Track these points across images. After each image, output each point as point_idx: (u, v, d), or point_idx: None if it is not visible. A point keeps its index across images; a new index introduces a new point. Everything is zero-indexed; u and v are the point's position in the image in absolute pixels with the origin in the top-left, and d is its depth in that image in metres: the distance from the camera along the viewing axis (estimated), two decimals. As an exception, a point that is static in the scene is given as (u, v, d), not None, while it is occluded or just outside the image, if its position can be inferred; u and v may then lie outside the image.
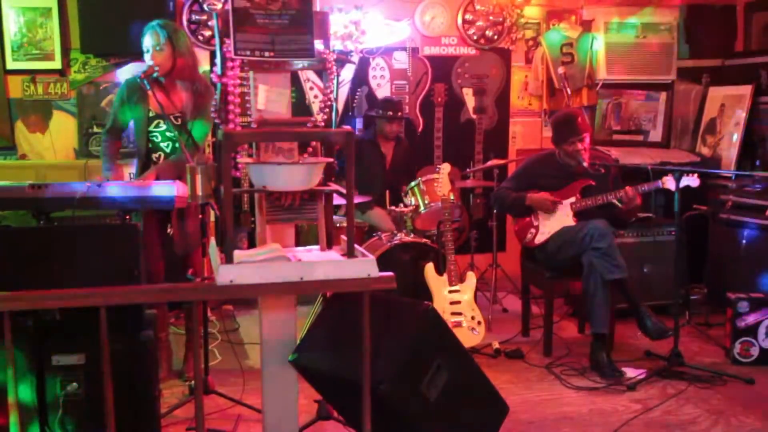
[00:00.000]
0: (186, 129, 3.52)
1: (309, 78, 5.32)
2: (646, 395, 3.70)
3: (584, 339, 4.46)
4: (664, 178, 4.01)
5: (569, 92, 5.68)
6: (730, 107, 5.57)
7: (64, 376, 2.46)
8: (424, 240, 4.49)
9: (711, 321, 4.74)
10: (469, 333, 4.11)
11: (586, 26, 5.84)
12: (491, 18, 5.72)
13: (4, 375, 2.21)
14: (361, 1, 5.36)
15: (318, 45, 2.50)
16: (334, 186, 2.61)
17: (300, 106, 5.20)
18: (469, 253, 5.20)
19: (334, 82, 2.56)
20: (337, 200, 3.35)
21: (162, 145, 3.70)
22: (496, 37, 5.76)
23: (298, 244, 2.72)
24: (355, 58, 5.42)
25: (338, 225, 3.93)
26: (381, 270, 2.27)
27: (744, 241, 4.75)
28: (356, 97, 5.55)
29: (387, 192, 5.13)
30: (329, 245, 2.59)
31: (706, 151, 5.71)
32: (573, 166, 4.31)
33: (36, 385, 2.46)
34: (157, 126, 3.68)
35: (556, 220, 4.27)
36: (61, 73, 5.10)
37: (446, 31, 5.70)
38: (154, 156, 3.71)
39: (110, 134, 3.78)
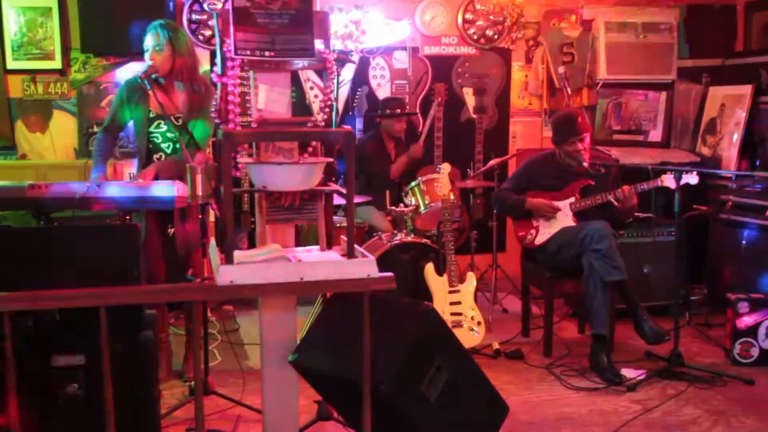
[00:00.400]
0: (186, 129, 3.52)
1: (309, 78, 5.32)
2: (646, 396, 3.70)
3: (584, 339, 4.46)
4: (663, 176, 4.00)
5: (569, 92, 5.68)
6: (730, 107, 5.56)
7: (64, 376, 2.45)
8: (424, 240, 4.49)
9: (711, 321, 4.74)
10: (469, 333, 4.11)
11: (587, 26, 5.84)
12: (491, 17, 5.72)
13: (4, 375, 2.21)
14: (361, 1, 5.36)
15: (318, 44, 2.50)
16: (334, 186, 2.61)
17: (300, 105, 5.20)
18: (469, 253, 5.20)
19: (335, 81, 2.56)
20: (337, 200, 3.35)
21: (163, 145, 3.70)
22: (496, 36, 5.76)
23: (298, 244, 2.72)
24: (356, 58, 5.42)
25: (338, 225, 3.93)
26: (381, 270, 2.27)
27: (744, 241, 4.75)
28: (356, 96, 5.55)
29: (387, 192, 5.14)
30: (329, 245, 2.59)
31: (706, 151, 5.70)
32: (573, 166, 4.31)
33: (36, 385, 2.46)
34: (157, 126, 3.68)
35: (556, 220, 4.27)
36: (62, 72, 5.10)
37: (446, 31, 5.70)
38: (155, 157, 3.71)
39: (106, 133, 3.78)
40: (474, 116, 5.65)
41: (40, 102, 5.11)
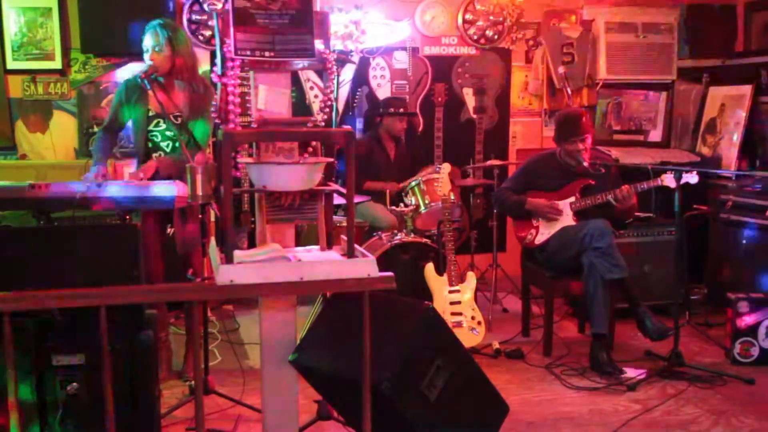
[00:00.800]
0: (186, 128, 3.52)
1: (309, 78, 5.33)
2: (646, 395, 3.70)
3: (584, 339, 4.46)
4: (663, 176, 4.00)
5: (569, 92, 5.68)
6: (730, 107, 5.56)
7: (64, 376, 2.45)
8: (424, 240, 4.49)
9: (711, 321, 4.73)
10: (469, 333, 4.11)
11: (587, 26, 5.84)
12: (491, 18, 5.72)
13: (4, 375, 2.21)
14: (361, 1, 5.36)
15: (318, 45, 2.50)
16: (334, 186, 2.61)
17: (300, 105, 5.21)
18: (469, 253, 5.21)
19: (335, 81, 2.56)
20: (337, 200, 3.35)
21: (162, 144, 3.70)
22: (496, 36, 5.76)
23: (298, 244, 2.72)
24: (356, 58, 5.43)
25: (338, 225, 3.93)
26: (381, 270, 2.27)
27: (744, 241, 4.75)
28: (356, 96, 5.55)
29: (387, 192, 5.14)
30: (329, 245, 2.59)
31: (706, 150, 5.71)
32: (573, 166, 4.31)
33: (36, 385, 2.46)
34: (157, 125, 3.68)
35: (556, 220, 4.27)
36: (62, 72, 5.10)
37: (446, 31, 5.70)
38: (154, 156, 3.71)
39: (106, 132, 3.78)
40: (474, 116, 5.65)
41: (40, 102, 5.11)
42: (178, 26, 3.73)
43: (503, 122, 5.93)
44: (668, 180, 3.96)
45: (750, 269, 4.64)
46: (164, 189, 3.15)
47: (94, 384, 2.40)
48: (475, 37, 5.73)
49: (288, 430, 2.53)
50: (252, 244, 3.38)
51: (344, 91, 5.49)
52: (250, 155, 2.57)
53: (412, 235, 4.54)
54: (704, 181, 4.13)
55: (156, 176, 3.53)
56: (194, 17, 5.20)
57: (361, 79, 5.58)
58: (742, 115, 5.40)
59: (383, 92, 5.61)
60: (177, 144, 3.64)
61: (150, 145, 3.70)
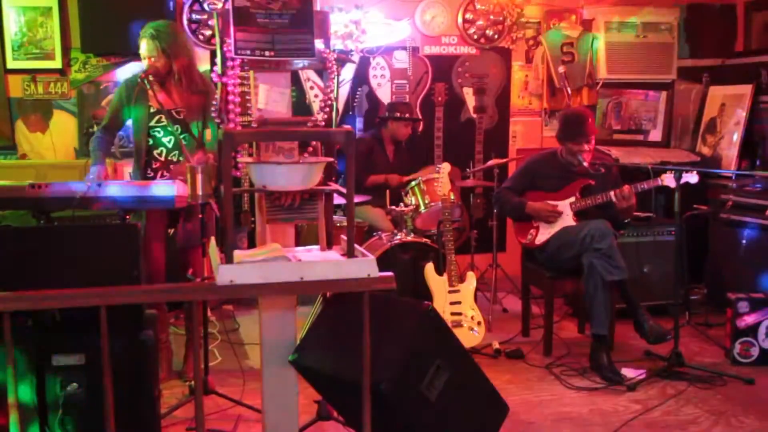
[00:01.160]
0: (187, 127, 3.51)
1: (309, 77, 5.33)
2: (646, 395, 3.70)
3: (584, 339, 4.46)
4: (663, 176, 4.00)
5: (569, 91, 5.68)
6: (730, 107, 5.56)
7: (64, 376, 2.45)
8: (424, 240, 4.49)
9: (711, 321, 4.73)
10: (469, 333, 4.11)
11: (587, 26, 5.85)
12: (491, 17, 5.72)
13: (4, 375, 2.21)
14: (361, 1, 5.36)
15: (318, 44, 2.50)
16: (334, 186, 2.61)
17: (300, 105, 5.21)
18: (469, 253, 5.20)
19: (335, 81, 2.56)
20: (337, 200, 3.35)
21: (164, 140, 3.69)
22: (496, 36, 5.76)
23: (298, 244, 2.72)
24: (356, 58, 5.43)
25: (338, 224, 3.93)
26: (381, 270, 2.27)
27: (744, 241, 4.75)
28: (357, 96, 5.55)
29: (387, 191, 5.14)
30: (329, 245, 2.59)
31: (706, 150, 5.71)
32: (574, 165, 4.31)
33: (36, 385, 2.46)
34: (158, 121, 3.68)
35: (556, 221, 4.27)
36: (62, 72, 5.10)
37: (446, 31, 5.70)
38: (156, 152, 3.70)
39: (105, 131, 3.77)
40: (474, 116, 5.65)
41: (40, 102, 5.11)
42: (172, 30, 3.70)
43: (503, 122, 5.93)
44: (668, 180, 3.95)
45: (750, 269, 4.63)
46: (164, 189, 3.15)
47: (94, 384, 2.40)
48: (475, 37, 5.73)
49: (288, 430, 2.52)
50: (252, 244, 3.38)
51: (344, 91, 5.49)
52: (250, 155, 2.57)
53: (412, 235, 4.54)
54: (704, 181, 4.13)
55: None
56: (194, 17, 5.20)
57: (361, 78, 5.58)
58: (742, 115, 5.40)
59: (383, 92, 5.61)
60: (181, 140, 3.63)
61: (151, 142, 3.69)
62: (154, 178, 3.69)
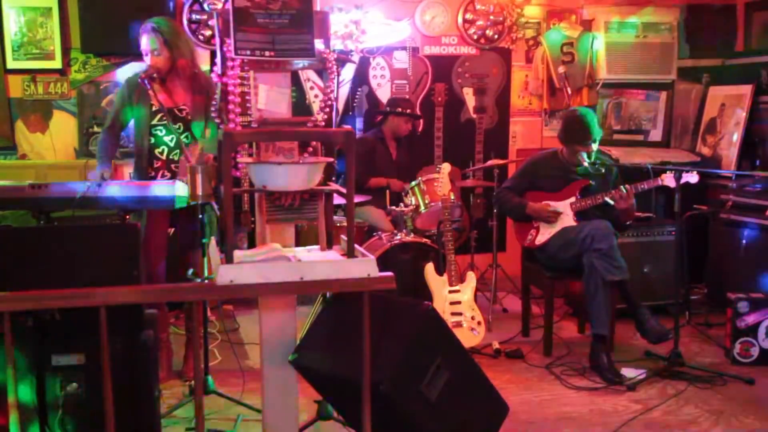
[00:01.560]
0: (188, 126, 3.51)
1: (309, 77, 5.32)
2: (646, 395, 3.70)
3: (584, 339, 4.46)
4: (664, 176, 4.00)
5: (569, 92, 5.68)
6: (730, 107, 5.57)
7: (64, 376, 2.45)
8: (424, 240, 4.49)
9: (711, 321, 4.74)
10: (469, 333, 4.11)
11: (587, 26, 5.85)
12: (492, 17, 5.72)
13: (4, 375, 2.21)
14: (361, 1, 5.36)
15: (318, 44, 2.50)
16: (334, 186, 2.61)
17: (300, 105, 5.20)
18: (469, 253, 5.20)
19: (335, 81, 2.56)
20: (337, 200, 3.35)
21: (166, 139, 3.69)
22: (496, 36, 5.76)
23: (298, 244, 2.72)
24: (356, 58, 5.43)
25: (338, 225, 3.93)
26: (381, 270, 2.27)
27: (744, 241, 4.75)
28: (357, 96, 5.55)
29: (387, 192, 5.14)
30: (329, 245, 2.59)
31: (706, 150, 5.71)
32: (574, 165, 4.31)
33: (36, 385, 2.46)
34: (160, 120, 3.67)
35: (556, 221, 4.27)
36: (62, 72, 5.10)
37: (446, 31, 5.70)
38: (157, 151, 3.69)
39: (109, 133, 3.77)
40: (474, 116, 5.65)
41: (40, 102, 5.11)
42: (173, 25, 3.70)
43: (503, 122, 5.93)
44: (668, 180, 3.95)
45: (750, 269, 4.63)
46: (164, 189, 3.15)
47: (94, 384, 2.40)
48: (475, 37, 5.73)
49: (288, 430, 2.52)
50: (252, 244, 3.38)
51: (344, 91, 5.49)
52: (250, 155, 2.57)
53: (412, 235, 4.54)
54: (704, 181, 4.13)
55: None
56: (194, 17, 5.20)
57: (361, 78, 5.58)
58: (742, 115, 5.40)
59: (383, 92, 5.61)
60: (183, 139, 3.62)
61: (152, 141, 3.69)
62: (155, 177, 3.68)
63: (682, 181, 3.88)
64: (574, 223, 4.22)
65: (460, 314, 4.14)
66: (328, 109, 2.56)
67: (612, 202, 4.13)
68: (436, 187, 4.42)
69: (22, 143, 5.10)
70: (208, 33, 5.20)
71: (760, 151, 5.40)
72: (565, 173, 4.34)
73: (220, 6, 2.50)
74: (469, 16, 5.71)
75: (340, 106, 5.46)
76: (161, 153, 3.69)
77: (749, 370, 3.97)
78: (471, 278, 4.26)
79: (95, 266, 2.52)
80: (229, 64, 2.42)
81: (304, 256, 2.42)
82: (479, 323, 4.16)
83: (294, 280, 2.21)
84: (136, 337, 2.54)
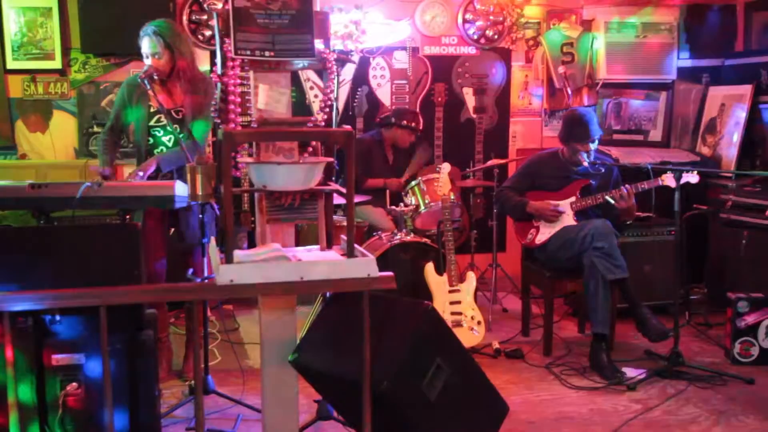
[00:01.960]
0: (186, 126, 3.51)
1: (309, 77, 5.33)
2: (646, 395, 3.70)
3: (584, 339, 4.47)
4: (664, 176, 4.01)
5: (569, 92, 5.68)
6: (730, 107, 5.56)
7: (64, 376, 2.45)
8: (424, 240, 4.49)
9: (711, 321, 4.74)
10: (469, 333, 4.11)
11: (587, 26, 5.85)
12: (491, 17, 5.72)
13: (4, 375, 2.21)
14: (361, 1, 5.36)
15: (318, 45, 2.50)
16: (334, 186, 2.61)
17: (300, 105, 5.21)
18: (469, 253, 5.21)
19: (335, 81, 2.56)
20: (337, 200, 3.35)
21: (164, 139, 3.69)
22: (496, 36, 5.76)
23: (298, 244, 2.72)
24: (356, 58, 5.43)
25: (338, 224, 3.93)
26: (381, 270, 2.27)
27: (744, 241, 4.75)
28: (356, 96, 5.55)
29: (387, 192, 5.15)
30: (329, 245, 2.59)
31: (706, 150, 5.71)
32: (575, 165, 4.31)
33: (36, 385, 2.46)
34: (158, 121, 3.67)
35: (557, 220, 4.27)
36: (62, 72, 5.10)
37: (446, 31, 5.70)
38: (156, 151, 3.69)
39: (110, 134, 3.77)
40: (474, 116, 5.65)
41: (40, 102, 5.11)
42: (173, 27, 3.70)
43: (503, 122, 5.93)
44: (668, 180, 3.96)
45: (750, 269, 4.64)
46: (164, 189, 3.15)
47: (94, 384, 2.40)
48: (475, 37, 5.73)
49: (288, 430, 2.52)
50: (252, 244, 3.38)
51: (344, 91, 5.49)
52: (250, 155, 2.57)
53: (412, 235, 4.54)
54: (704, 181, 4.14)
55: (158, 172, 3.52)
56: (194, 17, 5.20)
57: (361, 79, 5.58)
58: (742, 115, 5.40)
59: (383, 92, 5.61)
60: (178, 140, 3.62)
61: (151, 141, 3.69)
62: (155, 177, 3.68)
63: (683, 181, 3.88)
64: (574, 223, 4.22)
65: (460, 314, 4.14)
66: (328, 109, 2.56)
67: (613, 201, 4.13)
68: (436, 187, 4.42)
69: (22, 143, 5.10)
70: (208, 33, 5.20)
71: (760, 151, 5.40)
72: (566, 173, 4.34)
73: (220, 6, 2.50)
74: (469, 16, 5.71)
75: (340, 106, 5.45)
76: (160, 153, 3.69)
77: (749, 370, 3.97)
78: (471, 278, 4.26)
79: (95, 266, 2.52)
80: (229, 64, 2.42)
81: (304, 256, 2.42)
82: (479, 323, 4.16)
83: (294, 280, 2.21)
84: (136, 337, 2.53)
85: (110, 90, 5.12)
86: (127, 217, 3.22)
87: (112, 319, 2.13)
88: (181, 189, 3.12)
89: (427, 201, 4.71)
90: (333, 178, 2.68)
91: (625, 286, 4.00)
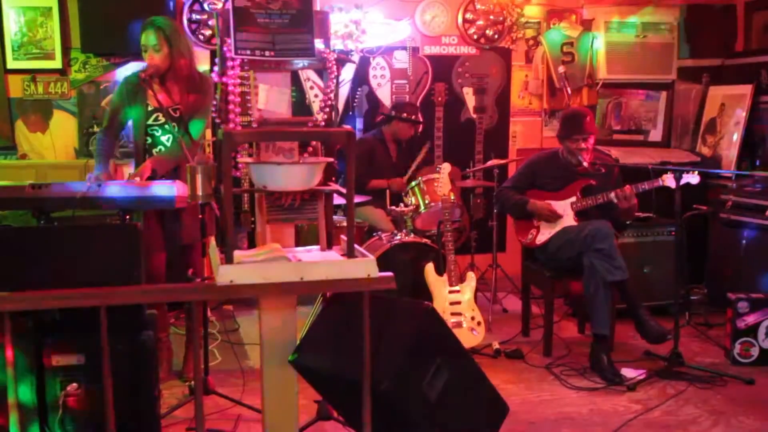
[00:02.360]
0: (184, 123, 3.51)
1: (309, 77, 5.32)
2: (646, 395, 3.70)
3: (584, 339, 4.46)
4: (664, 176, 4.01)
5: (569, 92, 5.68)
6: (730, 107, 5.57)
7: (64, 376, 2.45)
8: (424, 240, 4.49)
9: (711, 321, 4.74)
10: (469, 333, 4.11)
11: (587, 25, 5.85)
12: (492, 17, 5.72)
13: (4, 375, 2.21)
14: (361, 1, 5.36)
15: (318, 44, 2.50)
16: (334, 186, 2.61)
17: (300, 105, 5.20)
18: (469, 253, 5.21)
19: (335, 81, 2.56)
20: (338, 200, 3.35)
21: (162, 139, 3.68)
22: (496, 36, 5.76)
23: (298, 244, 2.72)
24: (356, 58, 5.43)
25: (338, 225, 3.93)
26: (381, 270, 2.27)
27: (744, 241, 4.75)
28: (357, 96, 5.55)
29: (387, 192, 5.15)
30: (329, 245, 2.59)
31: (706, 150, 5.71)
32: (575, 165, 4.31)
33: (36, 385, 2.46)
34: (155, 120, 3.67)
35: (557, 220, 4.27)
36: (62, 72, 5.10)
37: (446, 31, 5.70)
38: (155, 151, 3.69)
39: (107, 133, 3.76)
40: (474, 116, 5.65)
41: (40, 102, 5.11)
42: (174, 24, 3.70)
43: (503, 122, 5.92)
44: (669, 180, 3.96)
45: (750, 269, 4.63)
46: (164, 189, 3.15)
47: (94, 384, 2.40)
48: (475, 37, 5.73)
49: (288, 430, 2.52)
50: (252, 244, 3.38)
51: (344, 91, 5.49)
52: (250, 155, 2.57)
53: (412, 235, 4.54)
54: (704, 181, 4.13)
55: (154, 175, 3.52)
56: (194, 17, 5.20)
57: (361, 78, 5.58)
58: (742, 115, 5.40)
59: (383, 92, 5.61)
60: (177, 139, 3.62)
61: (149, 140, 3.68)
62: (154, 177, 3.68)
63: (683, 181, 3.88)
64: (574, 223, 4.22)
65: (460, 314, 4.14)
66: (328, 109, 2.56)
67: (616, 201, 4.13)
68: (436, 187, 4.42)
69: (22, 143, 5.10)
70: (208, 33, 5.19)
71: (760, 151, 5.40)
72: (566, 173, 4.34)
73: (220, 6, 2.51)
74: (469, 15, 5.71)
75: (340, 106, 5.45)
76: (158, 153, 3.69)
77: (749, 370, 3.97)
78: (471, 278, 4.26)
79: (95, 266, 2.52)
80: (229, 64, 2.43)
81: (304, 256, 2.42)
82: (479, 323, 4.16)
83: (294, 280, 2.21)
84: (136, 337, 2.54)
85: (110, 90, 5.11)
86: (127, 217, 3.22)
87: (112, 319, 2.12)
88: (181, 189, 3.13)
89: (427, 201, 4.71)
90: (333, 178, 2.67)
91: (625, 287, 4.00)
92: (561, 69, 5.69)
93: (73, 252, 2.53)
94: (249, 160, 2.52)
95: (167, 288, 2.57)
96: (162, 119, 3.64)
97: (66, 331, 2.48)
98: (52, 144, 5.13)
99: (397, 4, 5.58)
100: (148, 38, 3.55)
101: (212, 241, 2.61)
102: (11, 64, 5.02)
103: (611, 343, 4.21)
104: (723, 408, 3.54)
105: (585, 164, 4.25)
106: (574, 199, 4.28)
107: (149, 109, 3.66)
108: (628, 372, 3.93)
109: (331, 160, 2.57)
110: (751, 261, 4.66)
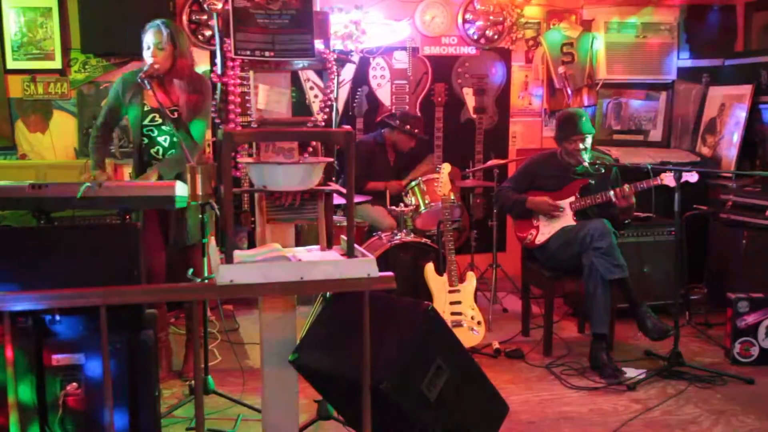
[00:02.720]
0: (183, 124, 3.52)
1: (309, 78, 5.33)
2: (646, 395, 3.70)
3: (584, 339, 4.46)
4: (663, 175, 4.00)
5: (569, 92, 5.68)
6: (730, 107, 5.57)
7: (64, 376, 2.45)
8: (424, 240, 4.49)
9: (711, 321, 4.74)
10: (469, 333, 4.11)
11: (587, 26, 5.85)
12: (491, 18, 5.72)
13: (4, 375, 2.21)
14: (361, 1, 5.36)
15: (318, 45, 2.50)
16: (334, 186, 2.61)
17: (300, 105, 5.21)
18: (469, 253, 5.21)
19: (335, 81, 2.56)
20: (338, 200, 3.35)
21: (159, 139, 3.69)
22: (496, 36, 5.76)
23: (298, 244, 2.72)
24: (356, 58, 5.43)
25: (338, 224, 3.93)
26: (381, 270, 2.27)
27: (744, 241, 4.75)
28: (356, 96, 5.55)
29: (387, 192, 5.15)
30: (329, 245, 2.59)
31: (706, 150, 5.71)
32: (573, 165, 4.32)
33: (36, 385, 2.46)
34: (152, 120, 3.67)
35: (556, 220, 4.28)
36: (62, 72, 5.10)
37: (446, 31, 5.70)
38: (152, 151, 3.69)
39: (102, 131, 3.76)
40: (474, 116, 5.65)
41: (40, 102, 5.11)
42: (176, 25, 3.73)
43: (503, 122, 5.93)
44: (668, 179, 3.96)
45: (750, 269, 4.64)
46: (164, 189, 3.15)
47: (94, 384, 2.40)
48: (475, 37, 5.73)
49: (288, 429, 2.53)
50: (252, 244, 3.38)
51: (344, 91, 5.49)
52: (250, 155, 2.57)
53: (412, 235, 4.54)
54: (704, 181, 4.14)
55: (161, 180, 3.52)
56: (194, 17, 5.20)
57: (361, 79, 5.58)
58: (742, 115, 5.40)
59: (383, 92, 5.61)
60: (175, 138, 3.63)
61: (146, 141, 3.68)
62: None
63: (682, 180, 3.88)
64: (573, 223, 4.23)
65: (460, 314, 4.14)
66: (328, 109, 2.56)
67: (614, 199, 4.13)
68: (436, 187, 4.42)
69: (22, 143, 5.10)
70: (208, 33, 5.20)
71: (760, 151, 5.40)
72: (565, 173, 4.35)
73: (220, 6, 2.50)
74: (469, 16, 5.71)
75: (340, 106, 5.46)
76: (156, 153, 3.69)
77: (749, 370, 3.97)
78: (471, 278, 4.26)
79: (95, 266, 2.52)
80: (229, 64, 2.42)
81: (304, 256, 2.42)
82: (479, 323, 4.16)
83: (294, 280, 2.21)
84: (136, 337, 2.54)
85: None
86: (127, 217, 3.22)
87: (112, 319, 2.12)
88: (181, 189, 3.13)
89: (427, 201, 4.71)
90: (333, 178, 2.67)
91: (625, 285, 4.00)
92: (561, 69, 5.69)
93: (73, 252, 2.53)
94: (249, 160, 2.52)
95: (167, 288, 2.57)
96: (159, 120, 3.64)
97: (66, 331, 2.48)
98: (52, 144, 5.13)
99: (397, 4, 5.58)
100: (153, 36, 3.55)
101: (212, 241, 2.61)
102: (11, 64, 5.02)
103: (611, 342, 4.22)
104: (723, 407, 3.54)
105: (584, 164, 4.25)
106: (572, 199, 4.28)
107: (146, 109, 3.66)
108: (628, 371, 3.93)
109: (331, 160, 2.57)
110: (751, 261, 4.67)
